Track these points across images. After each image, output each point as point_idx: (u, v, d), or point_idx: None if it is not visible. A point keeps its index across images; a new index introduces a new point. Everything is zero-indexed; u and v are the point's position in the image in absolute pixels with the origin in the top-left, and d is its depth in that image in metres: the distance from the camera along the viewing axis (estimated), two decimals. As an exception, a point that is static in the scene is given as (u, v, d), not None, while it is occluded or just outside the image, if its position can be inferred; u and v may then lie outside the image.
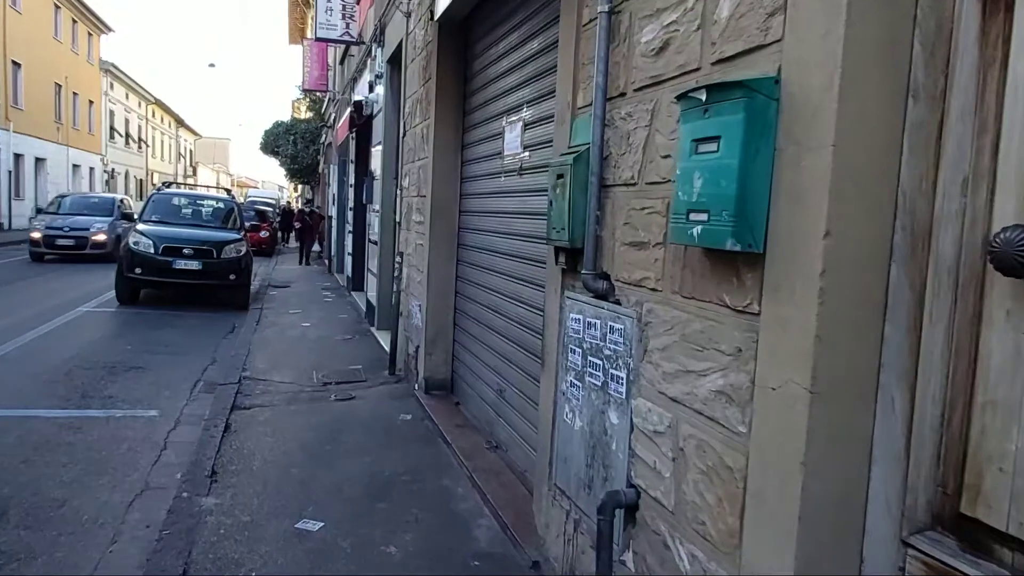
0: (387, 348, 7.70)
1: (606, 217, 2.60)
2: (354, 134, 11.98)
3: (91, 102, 35.19)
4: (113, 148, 38.49)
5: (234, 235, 11.26)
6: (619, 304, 2.49)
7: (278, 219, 24.08)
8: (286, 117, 28.97)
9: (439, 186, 5.54)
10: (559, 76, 3.09)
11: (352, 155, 12.47)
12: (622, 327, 2.45)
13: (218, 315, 10.17)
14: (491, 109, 4.77)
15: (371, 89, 9.27)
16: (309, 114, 28.10)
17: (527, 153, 4.04)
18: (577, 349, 2.83)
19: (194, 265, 10.30)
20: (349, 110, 9.77)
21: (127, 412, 5.36)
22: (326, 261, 17.83)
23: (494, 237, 4.63)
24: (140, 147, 44.08)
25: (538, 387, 3.55)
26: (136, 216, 12.70)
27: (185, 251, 10.31)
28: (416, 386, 5.92)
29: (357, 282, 12.11)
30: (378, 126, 9.11)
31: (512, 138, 4.31)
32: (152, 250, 10.15)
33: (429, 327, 5.66)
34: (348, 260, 12.90)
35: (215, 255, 10.50)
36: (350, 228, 12.57)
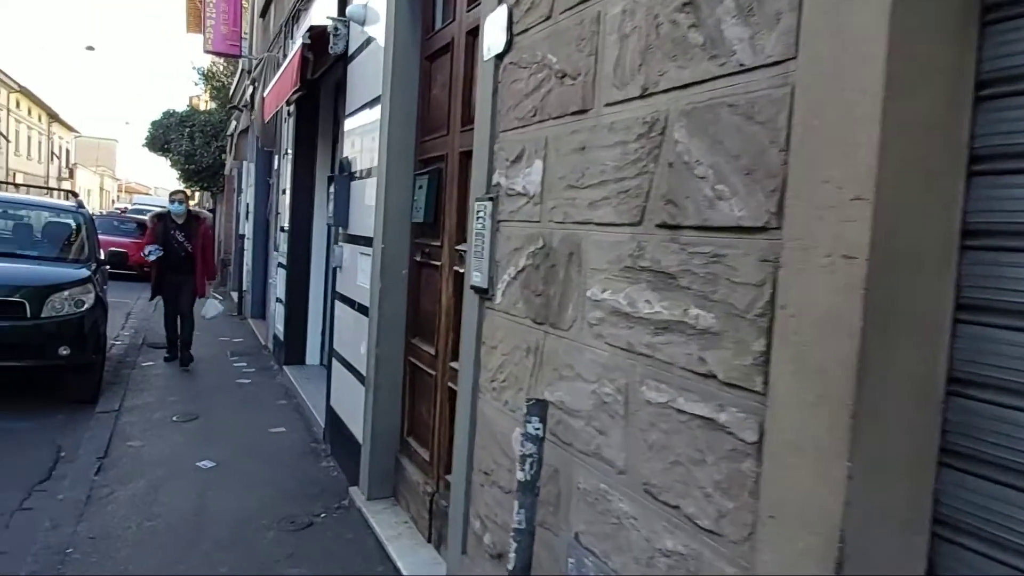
0: (402, 569, 3.18)
1: None
2: (292, 108, 7.32)
3: (-74, 83, 28.14)
4: (-42, 141, 31.23)
5: (75, 272, 6.30)
6: None
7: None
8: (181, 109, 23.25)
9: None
10: None
11: (287, 142, 7.77)
12: None
13: (31, 425, 5.28)
14: None
15: (345, 2, 4.75)
16: (212, 105, 22.62)
17: None
18: None
19: (-18, 334, 5.38)
20: (297, 50, 5.25)
21: None
22: (235, 298, 12.77)
23: None
24: (-2, 142, 36.47)
25: None
26: None
27: (-36, 306, 5.38)
28: None
29: (294, 351, 7.38)
30: (362, 71, 4.60)
31: None
32: None
33: None
34: (277, 310, 8.12)
35: (29, 312, 5.59)
36: (282, 260, 7.82)
